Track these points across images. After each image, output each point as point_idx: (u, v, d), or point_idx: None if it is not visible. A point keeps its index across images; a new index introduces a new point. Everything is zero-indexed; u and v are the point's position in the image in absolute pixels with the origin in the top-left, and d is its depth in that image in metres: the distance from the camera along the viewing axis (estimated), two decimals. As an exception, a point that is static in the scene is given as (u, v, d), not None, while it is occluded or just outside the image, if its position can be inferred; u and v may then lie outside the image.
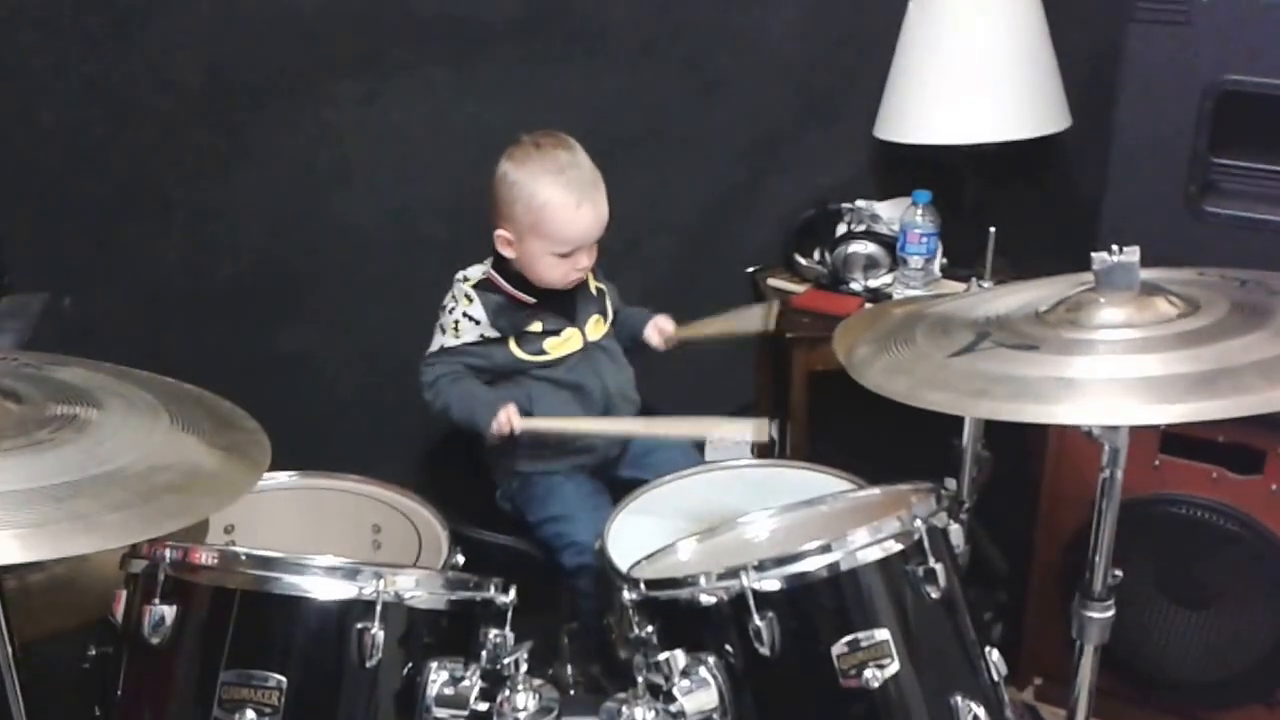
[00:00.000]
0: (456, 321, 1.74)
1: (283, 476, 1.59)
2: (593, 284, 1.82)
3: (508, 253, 1.73)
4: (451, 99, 2.16)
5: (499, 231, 1.73)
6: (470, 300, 1.74)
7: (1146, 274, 1.26)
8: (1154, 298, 1.25)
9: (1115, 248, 1.24)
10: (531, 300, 1.74)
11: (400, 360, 2.30)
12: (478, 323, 1.73)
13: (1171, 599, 1.88)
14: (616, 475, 1.82)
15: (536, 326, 1.74)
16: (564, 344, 1.76)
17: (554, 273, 1.71)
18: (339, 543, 1.48)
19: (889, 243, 2.13)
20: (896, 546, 1.27)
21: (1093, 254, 1.24)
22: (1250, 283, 1.33)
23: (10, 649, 1.09)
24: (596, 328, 1.80)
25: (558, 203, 1.66)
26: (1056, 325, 1.25)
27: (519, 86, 2.16)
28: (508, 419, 1.67)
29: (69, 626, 1.35)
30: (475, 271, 1.77)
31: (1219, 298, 1.28)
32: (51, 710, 1.15)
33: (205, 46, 2.07)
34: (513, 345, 1.74)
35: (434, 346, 1.77)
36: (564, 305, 1.77)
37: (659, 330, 1.85)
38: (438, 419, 2.07)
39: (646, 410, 1.90)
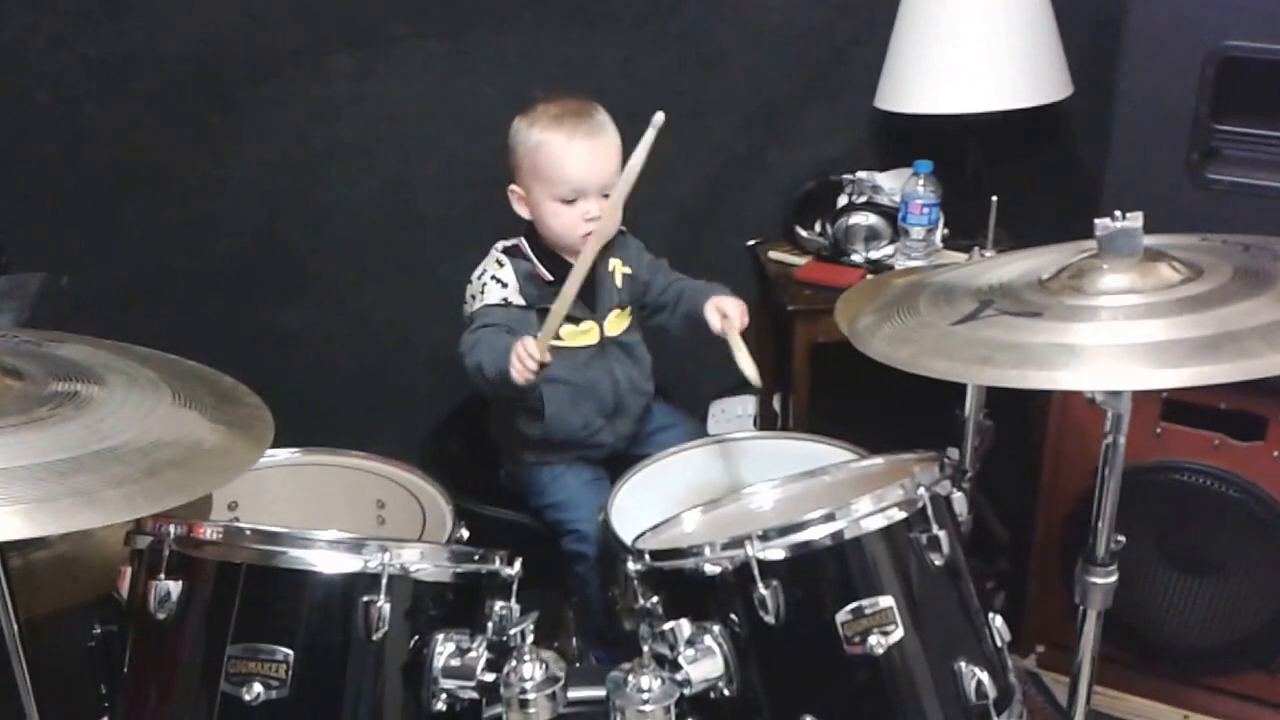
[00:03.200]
0: (484, 285, 1.71)
1: (285, 453, 1.59)
2: (619, 271, 1.77)
3: (522, 211, 1.71)
4: (448, 74, 2.15)
5: (510, 188, 1.71)
6: (501, 265, 1.71)
7: (1149, 240, 1.25)
8: (1157, 263, 1.25)
9: (1118, 213, 1.24)
10: (550, 277, 1.70)
11: (400, 336, 2.31)
12: (504, 285, 1.70)
13: (1172, 566, 1.89)
14: (622, 452, 1.81)
15: None
16: (581, 335, 1.72)
17: (560, 221, 1.67)
18: (343, 518, 1.48)
19: (890, 214, 2.12)
20: (900, 514, 1.27)
21: (1096, 220, 1.24)
22: (1253, 248, 1.33)
23: (16, 626, 1.10)
24: (617, 322, 1.76)
25: (549, 140, 1.64)
26: (1060, 292, 1.25)
27: (516, 60, 2.15)
28: (525, 353, 1.55)
29: (73, 604, 1.36)
30: (509, 241, 1.75)
31: (1222, 263, 1.27)
32: (56, 688, 1.14)
33: (200, 23, 2.06)
34: (534, 320, 1.69)
35: (466, 315, 1.72)
36: (585, 293, 1.69)
37: (719, 311, 1.67)
38: (440, 394, 2.08)
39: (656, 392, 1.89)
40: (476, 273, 1.74)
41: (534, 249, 1.72)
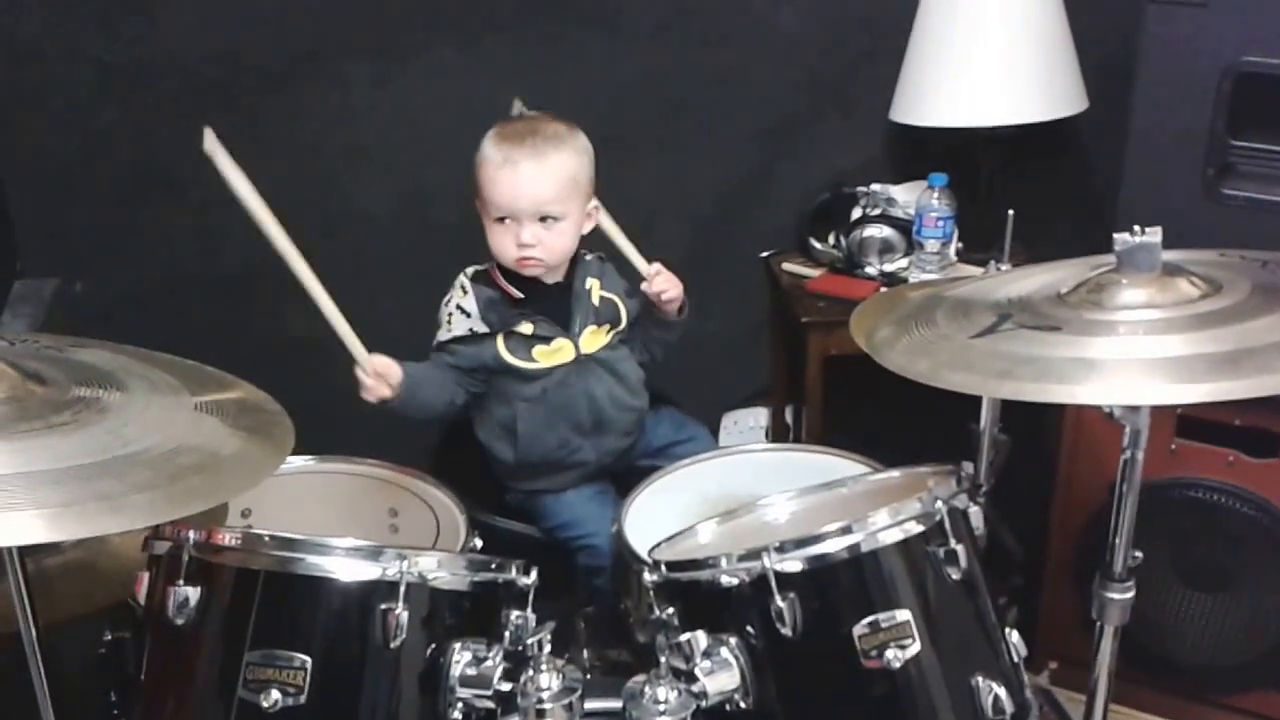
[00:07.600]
0: (450, 314, 1.70)
1: (299, 461, 1.60)
2: (596, 292, 1.73)
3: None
4: (466, 82, 2.15)
5: (476, 200, 1.69)
6: (464, 292, 1.69)
7: (1168, 255, 1.26)
8: (1176, 279, 1.25)
9: (1137, 228, 1.24)
10: (519, 294, 1.68)
11: (413, 345, 2.29)
12: (468, 315, 1.68)
13: (1187, 583, 1.88)
14: (633, 464, 1.79)
15: (526, 328, 1.67)
16: (554, 354, 1.69)
17: (496, 242, 1.64)
18: (356, 527, 1.48)
19: (905, 226, 2.12)
20: (917, 528, 1.27)
21: (1115, 234, 1.24)
22: (1271, 264, 1.33)
23: (34, 631, 1.10)
24: (593, 339, 1.72)
25: (485, 158, 1.63)
26: (1078, 306, 1.25)
27: (533, 69, 2.15)
28: (372, 368, 1.60)
29: (84, 611, 1.36)
30: (479, 266, 1.73)
31: (1241, 279, 1.28)
32: (65, 696, 1.14)
33: (217, 29, 2.06)
34: (500, 345, 1.67)
35: (434, 342, 1.73)
36: (556, 310, 1.70)
37: (648, 286, 1.73)
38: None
39: (663, 400, 1.88)
40: (444, 300, 1.72)
41: (502, 270, 1.69)
